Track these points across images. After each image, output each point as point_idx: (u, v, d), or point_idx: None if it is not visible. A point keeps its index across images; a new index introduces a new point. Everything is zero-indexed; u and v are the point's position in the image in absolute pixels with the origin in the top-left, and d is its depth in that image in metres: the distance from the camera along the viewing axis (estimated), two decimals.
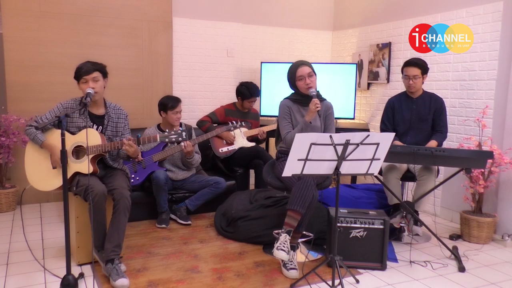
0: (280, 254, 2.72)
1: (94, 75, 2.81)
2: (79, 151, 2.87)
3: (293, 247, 2.94)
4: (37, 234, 3.53)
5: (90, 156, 2.80)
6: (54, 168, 2.88)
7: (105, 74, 2.90)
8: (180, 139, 2.93)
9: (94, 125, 2.94)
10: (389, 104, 3.72)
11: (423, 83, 3.57)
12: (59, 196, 4.25)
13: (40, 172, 2.90)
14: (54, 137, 2.88)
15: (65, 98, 2.99)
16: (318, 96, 3.12)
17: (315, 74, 3.09)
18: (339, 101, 4.96)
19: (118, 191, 2.77)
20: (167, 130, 2.96)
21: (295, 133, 2.97)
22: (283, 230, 2.80)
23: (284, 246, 2.73)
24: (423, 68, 3.50)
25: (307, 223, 2.97)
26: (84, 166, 2.81)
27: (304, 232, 3.18)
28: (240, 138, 4.42)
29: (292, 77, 3.10)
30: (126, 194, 2.78)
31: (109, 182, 2.87)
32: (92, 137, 2.78)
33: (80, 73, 2.80)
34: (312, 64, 3.17)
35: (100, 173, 2.94)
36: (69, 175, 2.76)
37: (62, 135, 2.36)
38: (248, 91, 4.43)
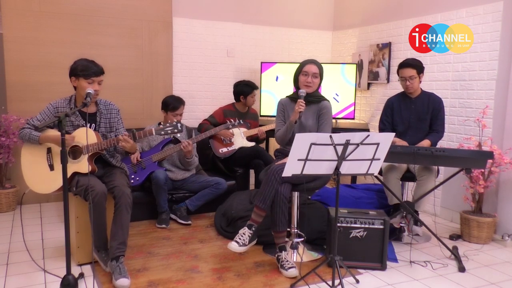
0: (230, 245, 2.78)
1: (101, 79, 2.84)
2: (75, 151, 2.86)
3: (283, 248, 2.94)
4: (37, 234, 3.53)
5: (87, 155, 2.81)
6: (51, 170, 2.86)
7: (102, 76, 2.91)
8: (175, 130, 2.94)
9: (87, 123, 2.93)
10: (388, 104, 3.73)
11: (420, 82, 3.57)
12: (59, 196, 4.20)
13: (38, 175, 2.88)
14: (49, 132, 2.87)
15: (51, 101, 2.96)
16: (316, 96, 3.11)
17: (321, 78, 3.09)
18: (339, 101, 4.97)
19: (118, 189, 2.77)
20: (161, 123, 2.97)
21: (282, 132, 3.06)
22: (246, 224, 2.84)
23: (239, 239, 2.78)
24: (418, 67, 3.50)
25: (285, 222, 2.92)
26: (82, 165, 2.82)
27: (300, 232, 3.18)
28: (240, 138, 4.42)
29: (298, 70, 3.09)
30: (126, 191, 2.78)
31: (108, 181, 2.87)
32: (88, 135, 2.76)
33: (89, 73, 2.77)
34: None
35: (99, 172, 2.94)
36: (67, 175, 2.75)
37: (62, 135, 2.35)
38: (247, 86, 4.47)
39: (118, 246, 2.71)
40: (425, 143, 3.48)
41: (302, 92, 3.00)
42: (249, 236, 2.81)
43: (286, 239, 3.05)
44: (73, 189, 2.83)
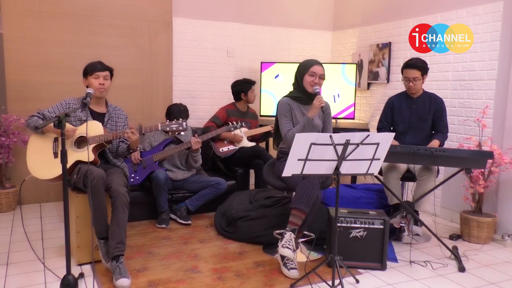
0: (285, 251, 2.75)
1: (106, 74, 3.01)
2: (81, 142, 2.94)
3: (294, 230, 2.93)
4: (37, 234, 3.53)
5: (93, 145, 2.88)
6: (55, 157, 2.90)
7: (111, 75, 3.10)
8: (180, 128, 3.04)
9: (96, 120, 3.01)
10: (388, 103, 3.72)
11: (423, 83, 3.56)
12: (59, 196, 4.25)
13: (40, 160, 2.93)
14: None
15: (65, 98, 3.04)
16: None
17: (324, 80, 3.11)
18: (339, 101, 4.97)
19: (113, 188, 2.79)
20: (167, 121, 3.03)
21: (298, 131, 2.99)
22: (287, 228, 2.81)
23: (289, 244, 2.76)
24: (423, 69, 3.49)
25: (308, 223, 2.96)
26: (85, 154, 2.86)
27: (305, 232, 3.18)
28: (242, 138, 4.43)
29: (304, 70, 3.07)
30: (121, 190, 2.79)
31: (106, 179, 2.88)
32: (95, 127, 2.90)
33: (94, 69, 2.97)
34: None
35: (100, 166, 2.96)
36: (70, 163, 2.82)
37: (62, 135, 2.37)
38: (246, 83, 4.51)
39: (116, 245, 2.71)
40: (435, 143, 3.46)
41: (317, 88, 3.02)
42: (294, 240, 2.80)
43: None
44: (73, 177, 2.88)
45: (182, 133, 3.07)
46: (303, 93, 3.10)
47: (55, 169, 2.86)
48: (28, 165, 2.94)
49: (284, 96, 3.19)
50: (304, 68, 3.07)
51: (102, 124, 3.01)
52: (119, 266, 2.65)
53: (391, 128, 3.72)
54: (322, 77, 3.06)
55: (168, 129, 3.03)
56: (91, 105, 2.94)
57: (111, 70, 3.07)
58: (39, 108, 3.07)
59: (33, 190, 4.30)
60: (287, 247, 2.76)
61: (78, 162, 2.90)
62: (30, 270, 2.84)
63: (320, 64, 3.08)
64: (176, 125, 3.04)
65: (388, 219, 2.96)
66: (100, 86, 2.97)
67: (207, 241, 3.45)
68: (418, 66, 3.47)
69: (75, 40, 4.40)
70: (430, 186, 3.38)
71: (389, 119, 3.69)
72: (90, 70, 2.98)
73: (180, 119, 3.09)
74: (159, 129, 3.01)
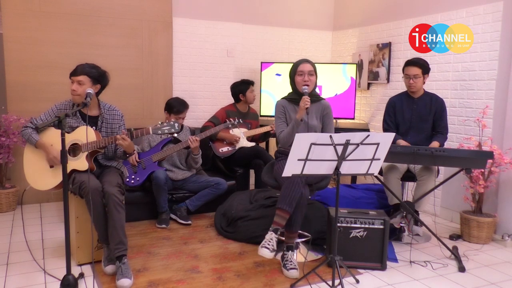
0: (263, 251, 2.70)
1: (79, 78, 2.82)
2: (75, 149, 2.89)
3: (291, 247, 2.94)
4: (37, 234, 3.53)
5: (86, 153, 2.83)
6: (51, 167, 2.88)
7: (96, 81, 2.87)
8: (172, 130, 2.94)
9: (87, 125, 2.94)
10: (390, 103, 3.72)
11: (424, 83, 3.56)
12: (59, 196, 4.24)
13: (38, 171, 2.91)
14: (48, 135, 2.90)
15: (65, 98, 3.03)
16: (314, 95, 3.12)
17: (316, 75, 3.10)
18: (339, 101, 4.97)
19: (105, 189, 2.77)
20: (159, 123, 2.96)
21: (287, 132, 3.02)
22: (270, 228, 2.80)
23: (268, 244, 2.72)
24: (424, 67, 3.50)
25: (301, 222, 2.94)
26: (80, 163, 2.84)
27: (302, 232, 3.18)
28: (240, 138, 4.42)
29: (293, 72, 3.11)
30: (112, 191, 2.75)
31: (101, 180, 2.88)
32: (87, 133, 2.79)
33: (72, 72, 2.86)
34: None
35: (96, 172, 2.95)
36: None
37: (62, 135, 2.36)
38: (244, 83, 4.51)
39: (115, 246, 2.72)
40: (435, 144, 3.46)
41: (305, 88, 3.00)
42: (276, 240, 2.78)
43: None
44: (69, 186, 2.85)
45: (175, 135, 3.02)
46: (297, 95, 3.11)
47: (52, 179, 2.85)
48: (27, 178, 2.93)
49: (281, 98, 3.21)
50: (293, 70, 3.11)
51: (96, 128, 2.95)
52: (121, 267, 2.66)
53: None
54: (311, 73, 3.05)
55: (160, 132, 2.92)
56: (82, 108, 2.81)
57: (91, 74, 2.85)
58: (38, 108, 3.06)
59: (33, 190, 4.27)
60: (265, 247, 2.70)
61: (73, 171, 2.85)
62: (30, 270, 2.84)
63: (307, 61, 3.09)
64: (167, 127, 2.92)
65: (388, 219, 2.96)
66: (72, 91, 2.84)
67: (207, 241, 3.45)
68: (419, 63, 3.48)
69: (75, 40, 4.40)
70: (430, 186, 3.38)
71: (393, 119, 3.68)
72: (71, 73, 2.87)
73: (172, 120, 2.98)
74: (150, 132, 2.90)
